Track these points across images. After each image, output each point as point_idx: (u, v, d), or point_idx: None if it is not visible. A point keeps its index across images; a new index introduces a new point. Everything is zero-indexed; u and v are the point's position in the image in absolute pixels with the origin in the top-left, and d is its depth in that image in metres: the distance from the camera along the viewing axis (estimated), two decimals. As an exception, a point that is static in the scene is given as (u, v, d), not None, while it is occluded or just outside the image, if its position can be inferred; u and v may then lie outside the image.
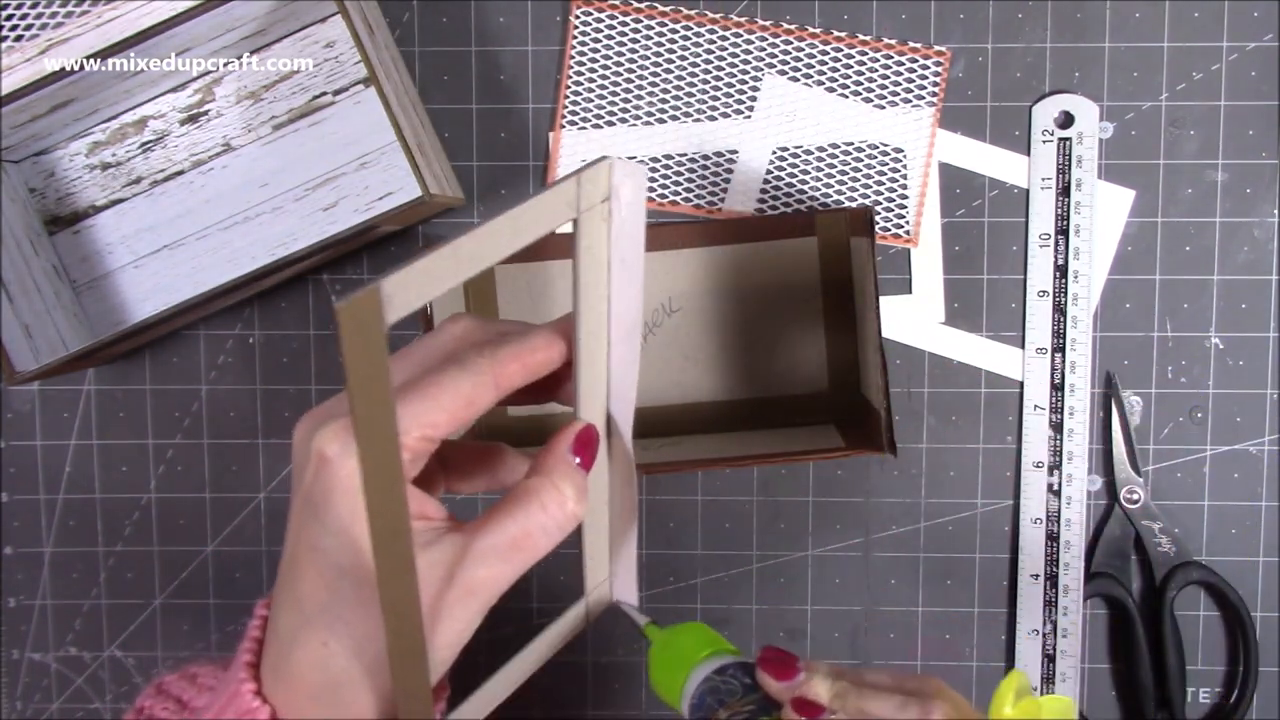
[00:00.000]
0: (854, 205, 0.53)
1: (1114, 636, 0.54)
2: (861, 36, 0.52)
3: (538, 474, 0.31)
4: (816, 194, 0.53)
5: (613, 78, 0.53)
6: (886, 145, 0.53)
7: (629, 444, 0.34)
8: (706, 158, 0.53)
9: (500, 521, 0.30)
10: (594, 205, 0.29)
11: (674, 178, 0.53)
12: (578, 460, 0.32)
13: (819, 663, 0.35)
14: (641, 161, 0.53)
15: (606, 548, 0.35)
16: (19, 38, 0.50)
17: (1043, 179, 0.52)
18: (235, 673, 0.30)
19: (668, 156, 0.53)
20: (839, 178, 0.53)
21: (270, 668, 0.30)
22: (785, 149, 0.53)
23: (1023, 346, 0.53)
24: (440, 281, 0.25)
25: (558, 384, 0.33)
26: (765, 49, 0.53)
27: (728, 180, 0.53)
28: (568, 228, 0.29)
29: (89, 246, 0.54)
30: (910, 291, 0.53)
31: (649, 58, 0.53)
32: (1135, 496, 0.53)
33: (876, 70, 0.52)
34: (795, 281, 0.53)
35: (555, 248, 0.53)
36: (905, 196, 0.53)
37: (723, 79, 0.53)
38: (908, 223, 0.53)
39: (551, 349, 0.31)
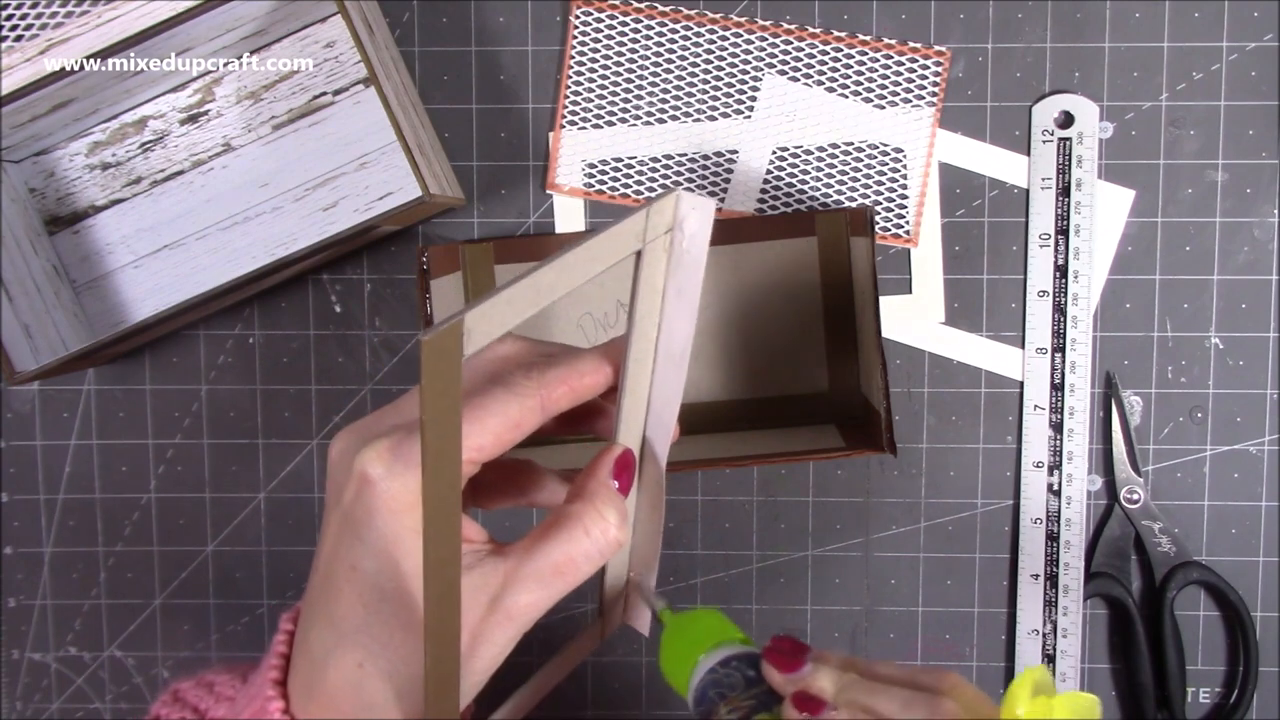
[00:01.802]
0: (854, 205, 0.53)
1: (1114, 636, 0.54)
2: (861, 36, 0.52)
3: (580, 499, 0.31)
4: (816, 194, 0.53)
5: (613, 78, 0.53)
6: (886, 145, 0.53)
7: (663, 469, 0.33)
8: (706, 158, 0.53)
9: (543, 547, 0.29)
10: (658, 236, 0.29)
11: (674, 178, 0.53)
12: (616, 485, 0.31)
13: (831, 654, 0.33)
14: (642, 162, 0.53)
15: (626, 568, 0.35)
16: (19, 38, 0.50)
17: (1043, 179, 0.52)
18: (261, 689, 0.30)
19: (668, 156, 0.53)
20: (839, 178, 0.53)
21: (301, 686, 0.29)
22: (785, 149, 0.53)
23: (1023, 346, 0.53)
24: (519, 312, 0.25)
25: (597, 416, 0.33)
26: (765, 49, 0.53)
27: (728, 180, 0.53)
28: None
29: (89, 246, 0.54)
30: (910, 291, 0.53)
31: (649, 58, 0.53)
32: (1135, 496, 0.53)
33: (876, 70, 0.52)
34: (795, 281, 0.53)
35: (555, 248, 0.53)
36: (905, 196, 0.53)
37: (723, 79, 0.53)
38: (908, 223, 0.53)
39: (598, 374, 0.31)
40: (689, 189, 0.53)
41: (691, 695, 0.34)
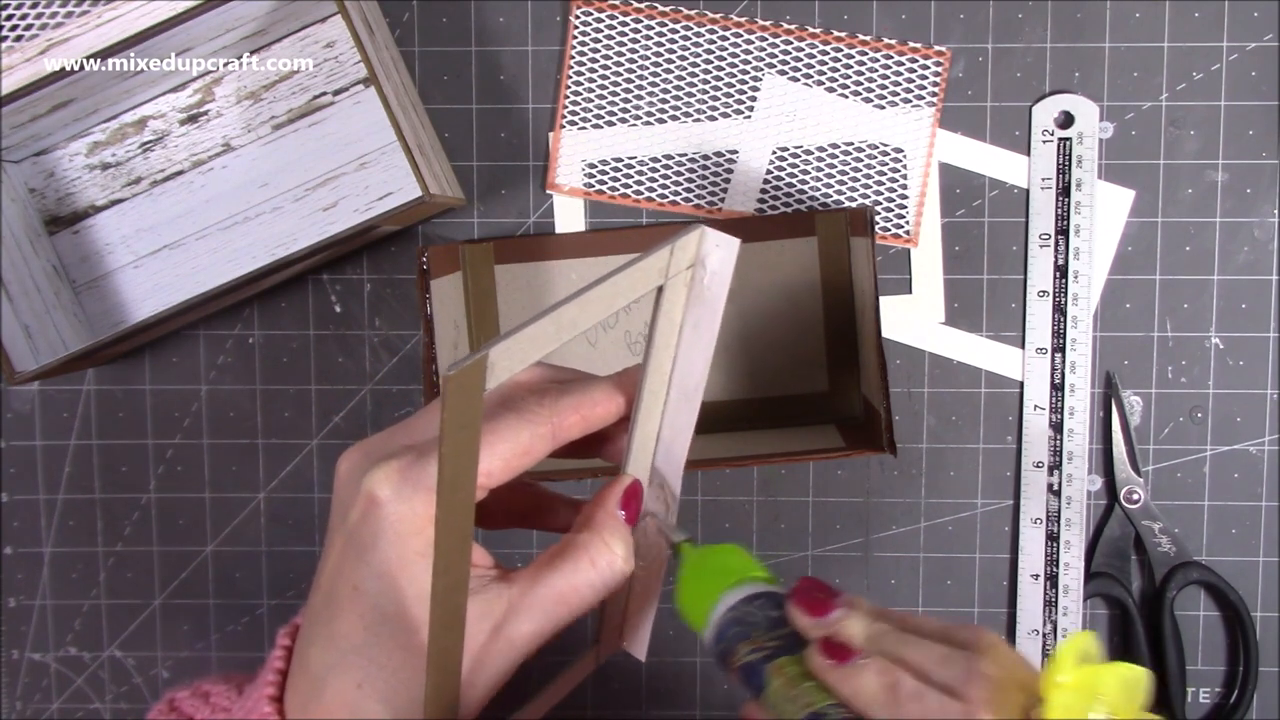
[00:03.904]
0: (854, 205, 0.53)
1: (1114, 636, 0.54)
2: (861, 36, 0.52)
3: (587, 529, 0.31)
4: (816, 194, 0.53)
5: (613, 78, 0.53)
6: (886, 145, 0.53)
7: (675, 499, 0.33)
8: (706, 158, 0.53)
9: (548, 576, 0.29)
10: (680, 271, 0.30)
11: (674, 178, 0.53)
12: (623, 515, 0.31)
13: (861, 600, 0.31)
14: (642, 162, 0.53)
15: (625, 595, 0.35)
16: (19, 38, 0.50)
17: (1043, 179, 0.52)
18: (258, 704, 0.30)
19: (668, 156, 0.53)
20: (839, 178, 0.53)
21: (298, 704, 0.29)
22: (785, 149, 0.53)
23: (1023, 346, 0.53)
24: (541, 348, 0.25)
25: (605, 442, 0.33)
26: (765, 49, 0.53)
27: (728, 180, 0.53)
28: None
29: (89, 246, 0.54)
30: (910, 291, 0.53)
31: (649, 58, 0.53)
32: (1135, 496, 0.53)
33: (876, 70, 0.52)
34: (795, 281, 0.53)
35: (555, 248, 0.53)
36: (905, 196, 0.53)
37: (723, 79, 0.53)
38: (908, 223, 0.53)
39: (611, 403, 0.31)
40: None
41: (710, 632, 0.32)
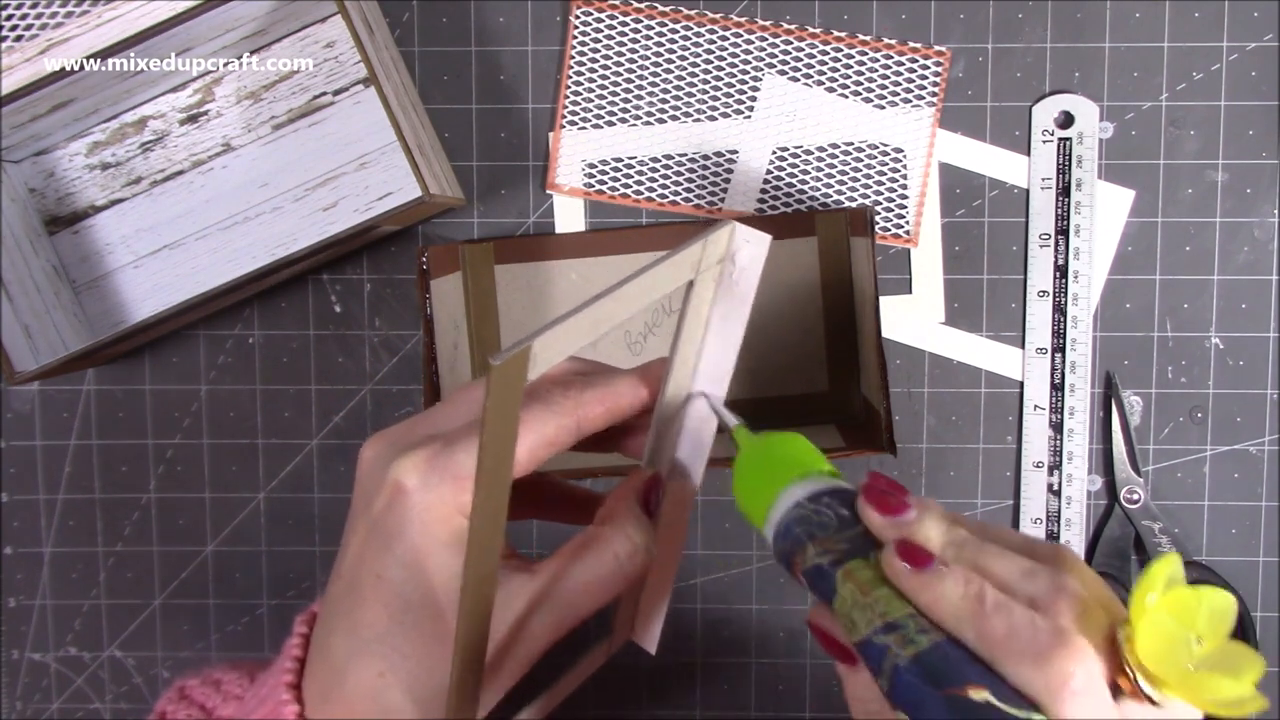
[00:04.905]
0: (854, 205, 0.53)
1: (1114, 636, 0.54)
2: (861, 36, 0.52)
3: (610, 523, 0.30)
4: (816, 194, 0.53)
5: (613, 78, 0.53)
6: (886, 145, 0.53)
7: (693, 494, 0.33)
8: (706, 158, 0.53)
9: (572, 569, 0.29)
10: (710, 266, 0.30)
11: (674, 178, 0.53)
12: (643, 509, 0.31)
13: (933, 503, 0.29)
14: (642, 162, 0.53)
15: (639, 588, 0.35)
16: (19, 38, 0.50)
17: (1043, 179, 0.52)
18: (275, 691, 0.30)
19: (668, 156, 0.53)
20: (839, 178, 0.53)
21: (318, 692, 0.29)
22: (785, 149, 0.53)
23: (1023, 346, 0.53)
24: (580, 339, 0.26)
25: (625, 435, 0.33)
26: (765, 49, 0.53)
27: (728, 180, 0.53)
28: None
29: (89, 246, 0.54)
30: (910, 291, 0.53)
31: (649, 58, 0.53)
32: (1135, 496, 0.53)
33: (876, 70, 0.52)
34: (795, 281, 0.53)
35: (555, 248, 0.53)
36: (905, 196, 0.53)
37: (723, 79, 0.53)
38: (908, 223, 0.53)
39: (635, 395, 0.31)
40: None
41: (771, 530, 0.30)
